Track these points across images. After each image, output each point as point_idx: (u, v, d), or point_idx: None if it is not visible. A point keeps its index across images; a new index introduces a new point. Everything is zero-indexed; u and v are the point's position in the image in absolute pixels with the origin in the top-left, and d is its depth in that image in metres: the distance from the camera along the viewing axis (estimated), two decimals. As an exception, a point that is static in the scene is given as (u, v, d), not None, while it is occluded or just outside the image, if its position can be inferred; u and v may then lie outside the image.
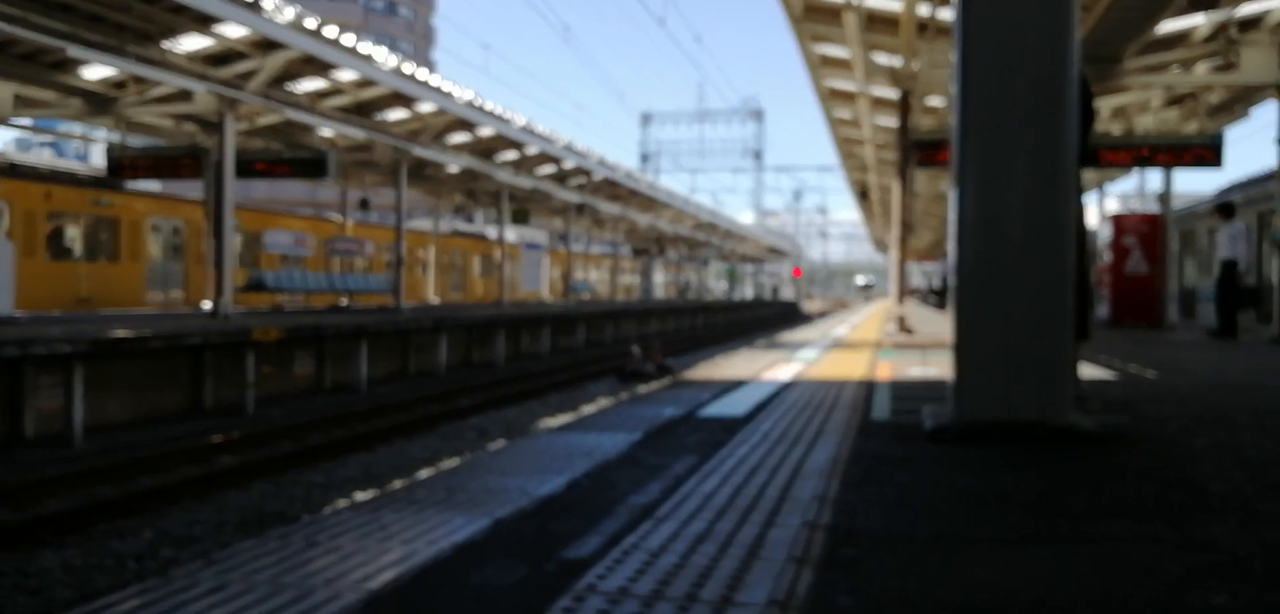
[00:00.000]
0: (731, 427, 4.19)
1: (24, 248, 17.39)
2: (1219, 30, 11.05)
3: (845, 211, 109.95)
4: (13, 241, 16.69)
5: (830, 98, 16.66)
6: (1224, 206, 13.20)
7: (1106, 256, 16.52)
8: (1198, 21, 10.92)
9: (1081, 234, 4.64)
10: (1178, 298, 18.75)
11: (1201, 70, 12.40)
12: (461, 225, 34.27)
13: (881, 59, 12.62)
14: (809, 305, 71.93)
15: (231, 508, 7.93)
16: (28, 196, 17.84)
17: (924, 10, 10.64)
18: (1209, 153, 12.92)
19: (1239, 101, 13.98)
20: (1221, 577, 2.03)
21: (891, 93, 13.33)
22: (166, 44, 13.25)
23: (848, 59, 13.02)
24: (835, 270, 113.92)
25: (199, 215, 20.25)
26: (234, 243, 20.10)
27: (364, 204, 25.35)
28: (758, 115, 60.60)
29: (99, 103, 14.79)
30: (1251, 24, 11.06)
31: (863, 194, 27.38)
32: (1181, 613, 1.82)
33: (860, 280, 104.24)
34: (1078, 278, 4.34)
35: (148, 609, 1.83)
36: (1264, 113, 19.85)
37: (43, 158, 31.02)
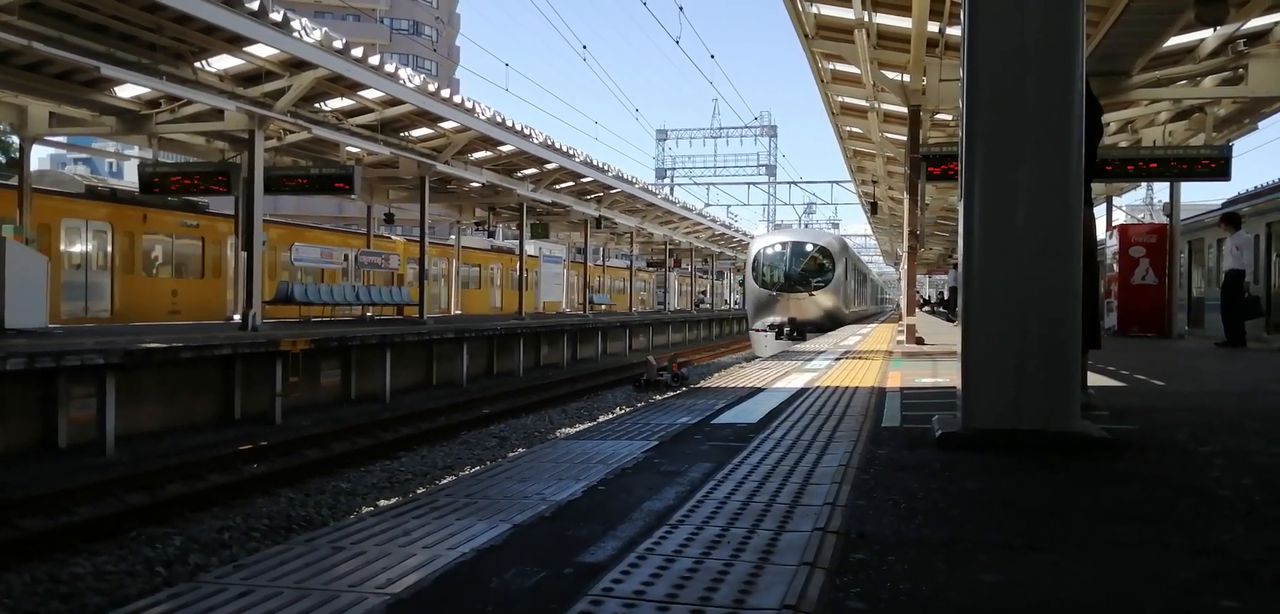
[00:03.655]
0: (745, 434, 4.22)
1: (124, 264, 19.42)
2: (1227, 44, 10.98)
3: (856, 224, 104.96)
4: (116, 258, 19.04)
5: (841, 113, 16.68)
6: (1230, 217, 13.13)
7: (1115, 267, 16.41)
8: (1205, 36, 10.86)
9: (1091, 245, 4.65)
10: (1186, 308, 18.55)
11: (1209, 83, 12.32)
12: (484, 240, 34.60)
13: (892, 75, 12.65)
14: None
15: (260, 515, 8.05)
16: (127, 219, 19.50)
17: (933, 27, 10.67)
18: (1217, 165, 12.84)
19: (1247, 114, 13.89)
20: (1229, 582, 2.03)
21: (901, 108, 13.35)
22: (198, 63, 13.53)
23: (858, 75, 13.06)
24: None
25: (272, 234, 22.55)
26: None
27: (389, 218, 25.65)
28: (771, 131, 60.59)
29: (132, 120, 15.12)
30: (1259, 37, 10.98)
31: (873, 207, 27.05)
32: (1189, 618, 1.83)
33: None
34: (1088, 288, 4.37)
35: (177, 614, 1.85)
36: (1272, 126, 19.59)
37: (78, 173, 31.82)
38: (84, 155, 38.59)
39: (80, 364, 10.12)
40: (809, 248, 25.52)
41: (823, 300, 24.43)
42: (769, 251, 25.63)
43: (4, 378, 9.41)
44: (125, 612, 1.87)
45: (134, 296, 19.48)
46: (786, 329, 23.38)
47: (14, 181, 15.97)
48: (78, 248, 18.86)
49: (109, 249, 19.16)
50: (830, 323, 23.41)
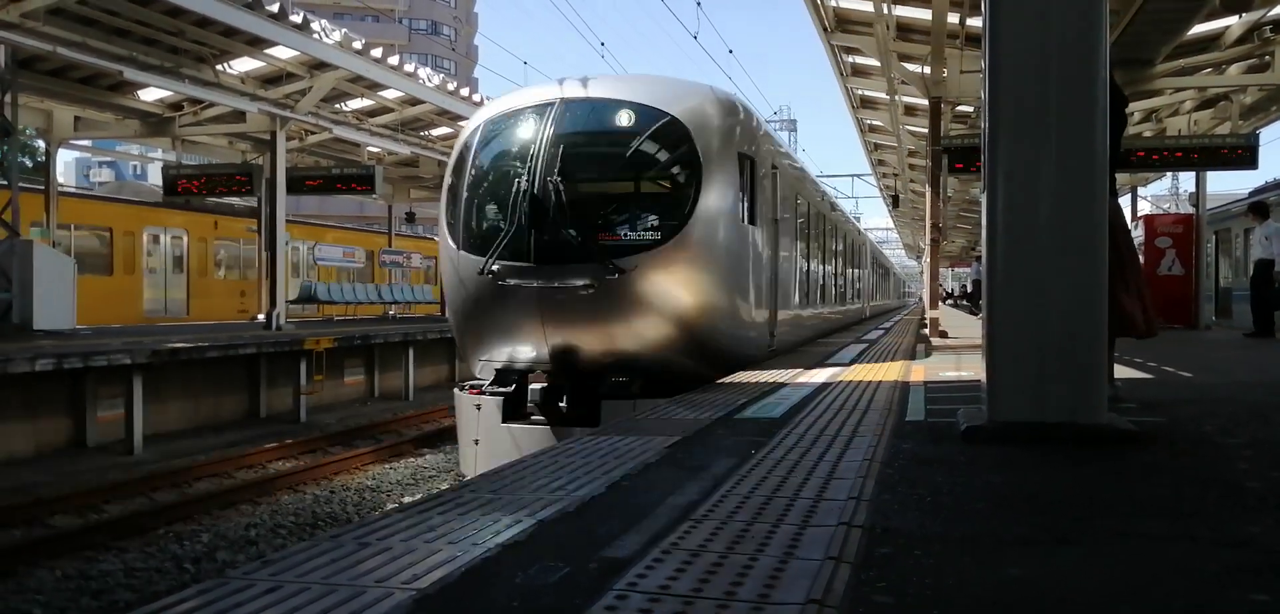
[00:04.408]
0: (768, 429, 4.21)
1: (199, 267, 20.97)
2: (1252, 30, 10.80)
3: (877, 217, 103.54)
4: (192, 261, 20.42)
5: (861, 106, 16.58)
6: (1258, 206, 12.94)
7: (1140, 258, 16.24)
8: (1230, 23, 10.69)
9: (1124, 235, 4.59)
10: (1213, 299, 18.28)
11: (1235, 71, 12.14)
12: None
13: (912, 67, 12.56)
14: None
15: (286, 512, 8.14)
16: (201, 225, 20.96)
17: (953, 18, 10.57)
18: (1244, 153, 12.68)
19: (1274, 102, 13.68)
20: (1259, 574, 2.01)
21: (922, 100, 13.24)
22: (220, 66, 13.65)
23: (878, 67, 12.97)
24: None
25: (327, 235, 24.29)
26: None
27: (410, 217, 25.79)
28: (791, 125, 60.11)
29: (156, 123, 15.30)
30: None
31: (895, 200, 26.97)
32: (1218, 611, 1.81)
33: None
34: (1135, 278, 4.33)
35: (206, 610, 1.86)
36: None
37: (103, 177, 32.47)
38: (108, 158, 39.09)
39: (107, 364, 10.27)
40: (621, 120, 7.03)
41: (655, 290, 6.76)
42: (510, 139, 7.59)
43: (34, 379, 9.56)
44: (154, 608, 1.88)
45: (206, 298, 20.74)
46: (538, 391, 7.07)
47: (41, 185, 16.21)
48: (158, 252, 20.08)
49: (184, 253, 20.56)
50: (702, 359, 7.09)
